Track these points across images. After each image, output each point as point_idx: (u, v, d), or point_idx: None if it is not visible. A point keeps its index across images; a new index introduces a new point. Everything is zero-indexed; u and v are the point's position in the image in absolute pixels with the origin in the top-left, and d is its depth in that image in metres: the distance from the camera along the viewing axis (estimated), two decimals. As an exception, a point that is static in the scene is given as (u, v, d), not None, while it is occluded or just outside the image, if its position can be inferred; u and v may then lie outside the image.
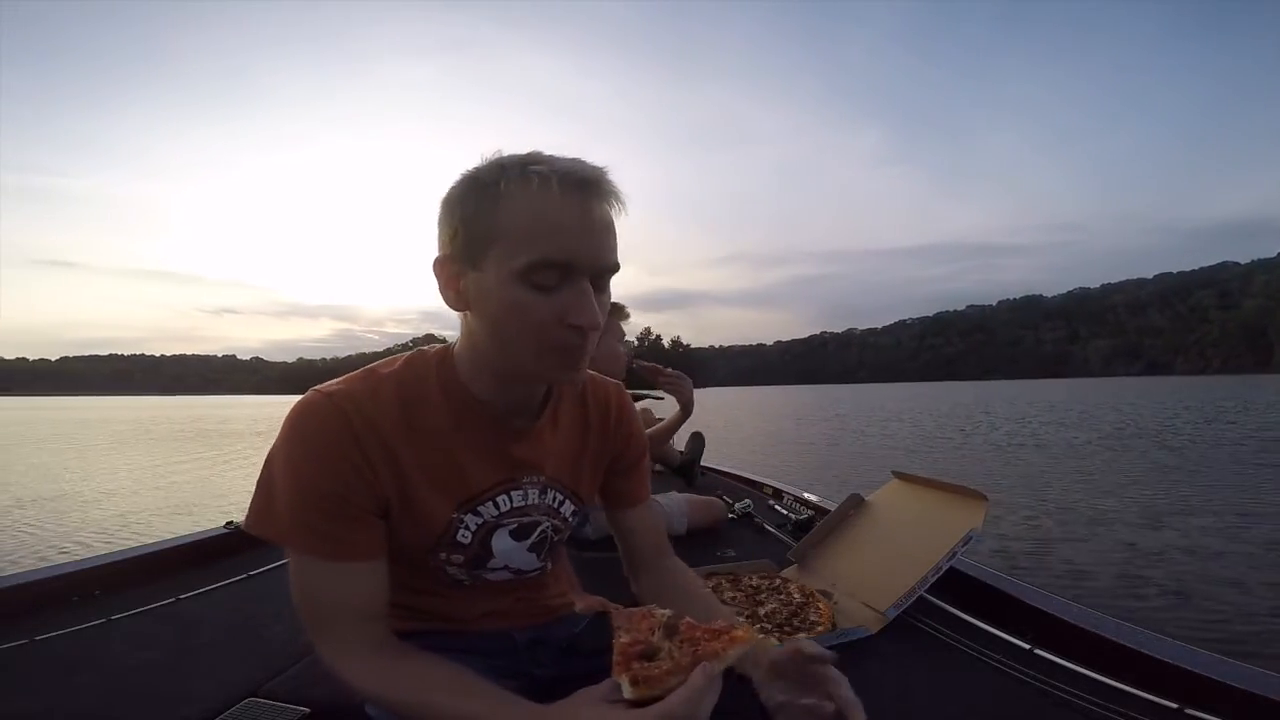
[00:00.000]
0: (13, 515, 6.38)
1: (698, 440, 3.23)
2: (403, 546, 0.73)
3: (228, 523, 2.03)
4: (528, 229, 0.59)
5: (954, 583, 1.41)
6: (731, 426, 19.51)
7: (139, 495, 7.63)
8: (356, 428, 0.65)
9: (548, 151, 0.63)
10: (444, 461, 0.71)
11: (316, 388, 0.68)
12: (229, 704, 1.04)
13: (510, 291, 0.61)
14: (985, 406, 27.93)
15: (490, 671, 0.73)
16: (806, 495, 2.47)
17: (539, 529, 0.79)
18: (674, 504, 2.17)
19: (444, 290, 0.67)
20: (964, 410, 24.53)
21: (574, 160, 0.61)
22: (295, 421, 0.65)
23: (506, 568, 0.80)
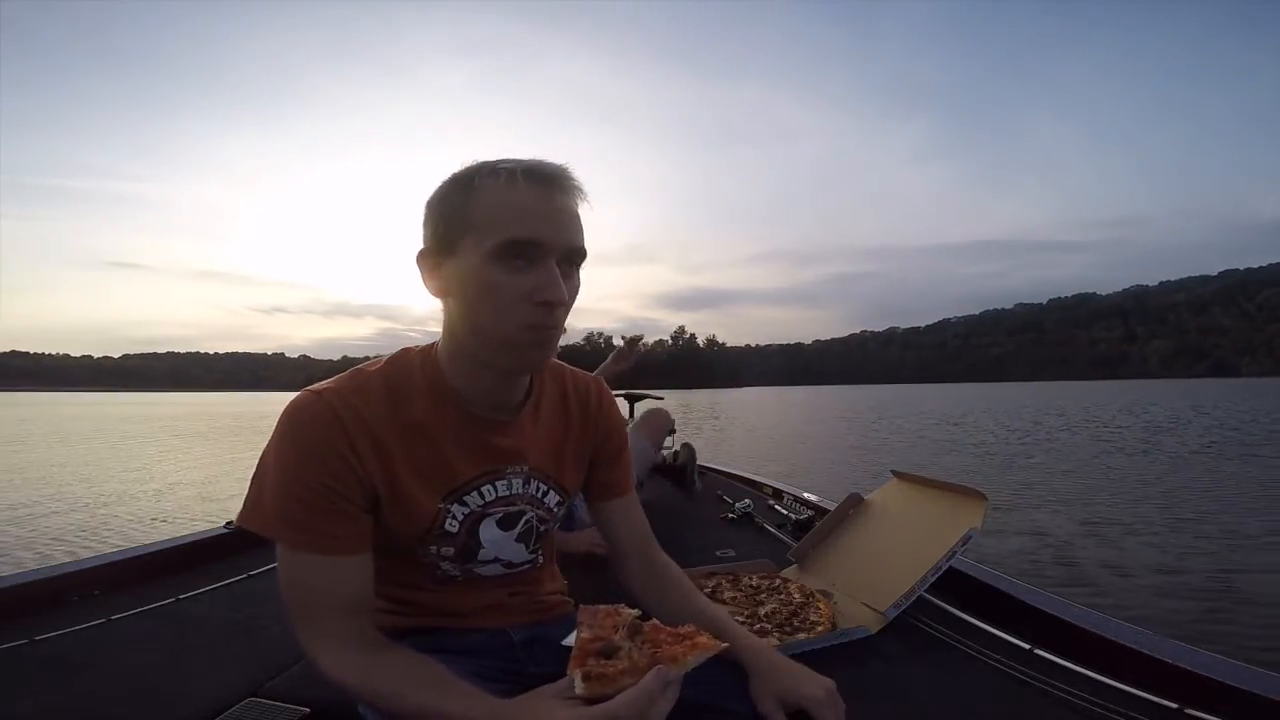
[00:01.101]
0: (18, 514, 6.39)
1: (688, 450, 3.26)
2: (394, 539, 0.74)
3: (227, 523, 2.03)
4: (498, 215, 0.65)
5: (954, 583, 1.41)
6: (771, 428, 18.47)
7: (146, 494, 7.63)
8: (346, 423, 0.69)
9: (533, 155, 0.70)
10: (430, 453, 0.74)
11: (307, 387, 0.71)
12: (229, 704, 1.04)
13: (484, 271, 0.66)
14: (1054, 408, 25.83)
15: (487, 670, 0.74)
16: (806, 495, 2.47)
17: (524, 519, 0.82)
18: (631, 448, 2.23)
19: (426, 280, 0.72)
20: (1030, 413, 22.50)
21: (538, 159, 0.68)
22: (287, 420, 0.69)
23: (497, 560, 0.81)
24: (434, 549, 0.77)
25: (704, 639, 0.60)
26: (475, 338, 0.70)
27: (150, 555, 1.76)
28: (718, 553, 1.93)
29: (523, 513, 0.81)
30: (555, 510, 0.86)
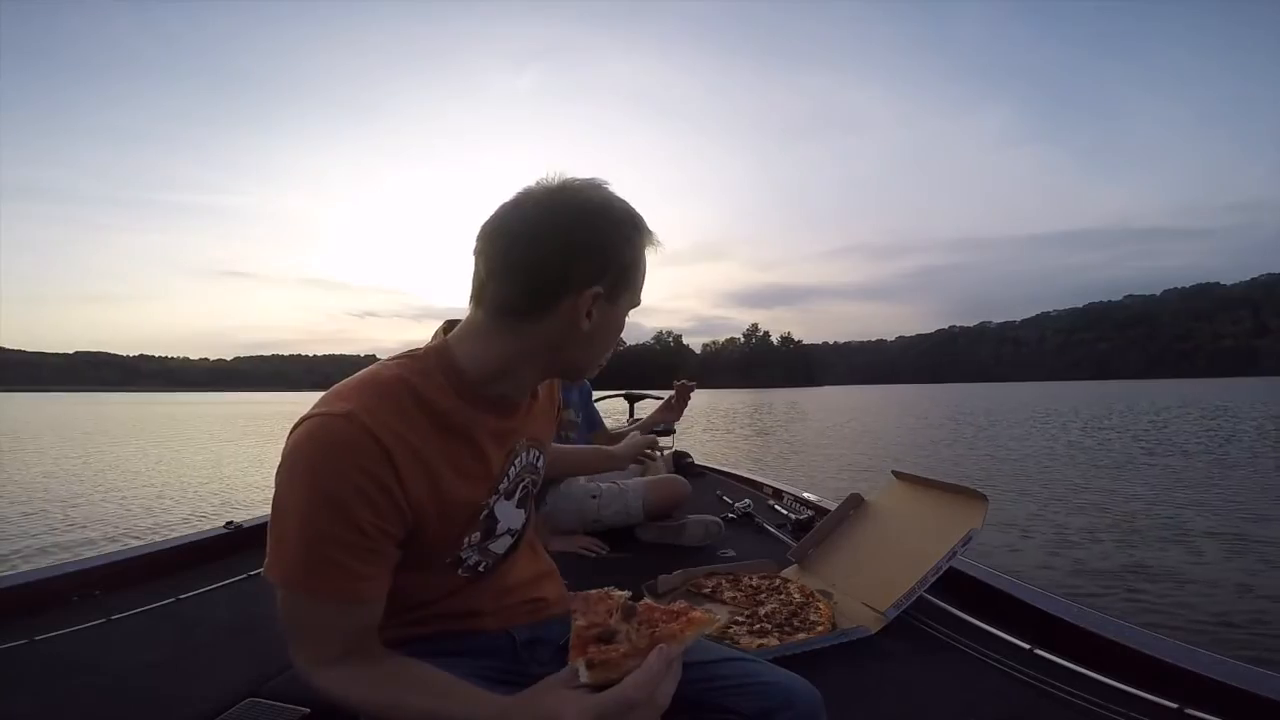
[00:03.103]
0: (32, 512, 6.42)
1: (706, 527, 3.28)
2: (429, 551, 0.72)
3: (228, 522, 2.03)
4: (639, 283, 0.76)
5: (954, 583, 1.41)
6: (882, 434, 15.67)
7: (158, 493, 7.64)
8: (386, 444, 0.63)
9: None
10: (469, 450, 0.73)
11: (320, 411, 0.63)
12: (229, 704, 1.04)
13: (620, 323, 0.77)
14: (1223, 410, 21.17)
15: (491, 672, 0.74)
16: (806, 495, 2.47)
17: (522, 485, 0.84)
18: (630, 486, 2.15)
19: (580, 315, 0.70)
20: (1192, 414, 18.80)
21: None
22: (313, 453, 0.61)
23: (508, 531, 0.82)
24: (466, 540, 0.76)
25: (698, 614, 0.60)
26: (581, 362, 0.78)
27: (150, 555, 1.76)
28: (718, 553, 1.93)
29: (522, 480, 0.83)
30: (541, 469, 0.89)
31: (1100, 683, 1.03)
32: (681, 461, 3.52)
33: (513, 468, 0.80)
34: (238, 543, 1.96)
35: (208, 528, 2.07)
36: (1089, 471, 8.39)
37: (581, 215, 0.68)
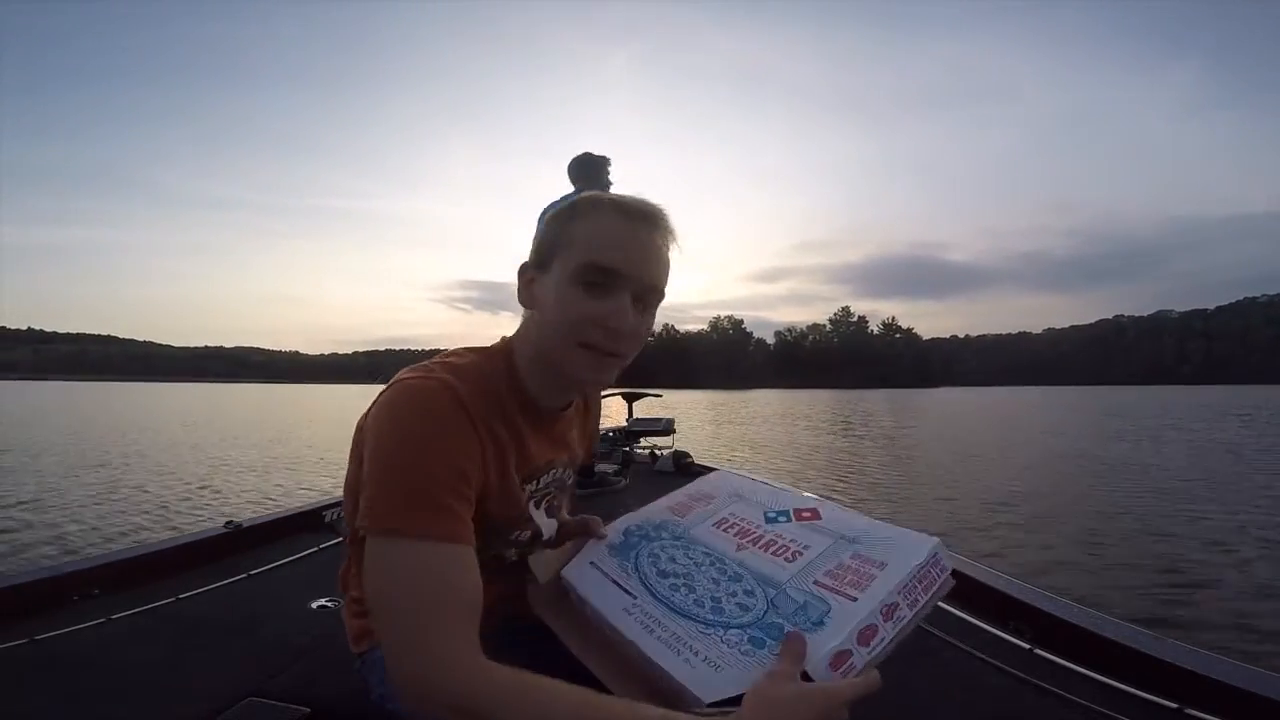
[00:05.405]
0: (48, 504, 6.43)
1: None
2: (486, 528, 0.74)
3: (227, 522, 2.03)
4: (587, 240, 0.70)
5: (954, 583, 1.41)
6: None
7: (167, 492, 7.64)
8: (469, 407, 0.69)
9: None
10: (516, 441, 0.77)
11: (410, 376, 0.70)
12: (229, 704, 1.04)
13: (564, 289, 0.70)
14: None
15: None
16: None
17: (551, 499, 0.90)
18: None
19: (521, 290, 0.77)
20: None
21: (640, 197, 0.74)
22: (409, 405, 0.67)
23: (549, 538, 0.89)
24: (516, 534, 0.82)
25: None
26: (547, 346, 0.74)
27: (150, 555, 1.76)
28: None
29: (551, 495, 0.90)
30: (569, 487, 0.96)
31: (1100, 683, 1.03)
32: (681, 461, 3.52)
33: (546, 476, 0.85)
34: (237, 543, 1.96)
35: (207, 528, 2.07)
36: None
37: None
